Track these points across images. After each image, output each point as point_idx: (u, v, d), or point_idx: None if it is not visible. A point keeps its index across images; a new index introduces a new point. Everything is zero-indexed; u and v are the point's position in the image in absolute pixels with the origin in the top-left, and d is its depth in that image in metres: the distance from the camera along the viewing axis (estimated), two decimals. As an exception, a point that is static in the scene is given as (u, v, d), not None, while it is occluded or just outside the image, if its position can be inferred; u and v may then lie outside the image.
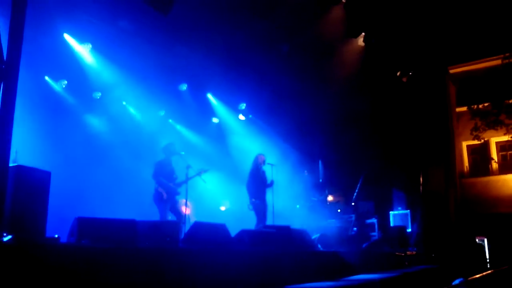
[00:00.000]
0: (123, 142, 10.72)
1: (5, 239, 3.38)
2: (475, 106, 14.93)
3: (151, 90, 10.73)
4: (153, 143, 10.29)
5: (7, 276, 2.86)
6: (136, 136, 10.95)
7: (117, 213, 5.89)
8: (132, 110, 11.54)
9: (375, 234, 11.09)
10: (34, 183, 3.83)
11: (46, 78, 9.88)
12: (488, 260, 14.09)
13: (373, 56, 11.86)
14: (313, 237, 7.87)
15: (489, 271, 10.15)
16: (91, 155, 9.79)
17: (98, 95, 10.87)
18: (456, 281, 8.38)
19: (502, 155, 17.67)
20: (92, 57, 10.07)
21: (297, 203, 10.46)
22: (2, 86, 3.49)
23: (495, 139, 16.96)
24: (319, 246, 7.78)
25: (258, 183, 8.95)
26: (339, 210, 11.62)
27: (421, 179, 11.57)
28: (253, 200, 8.75)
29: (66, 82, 10.22)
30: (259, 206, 8.79)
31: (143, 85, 10.56)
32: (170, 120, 12.37)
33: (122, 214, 5.49)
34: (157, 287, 3.89)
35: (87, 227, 4.19)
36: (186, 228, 6.84)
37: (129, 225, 4.66)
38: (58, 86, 10.17)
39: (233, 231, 6.06)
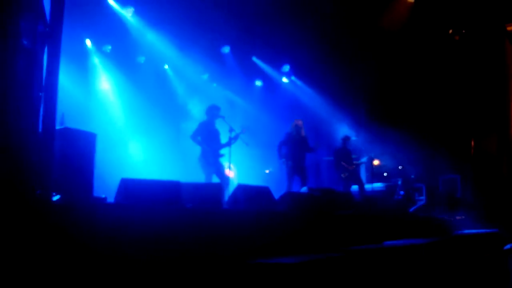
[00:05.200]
0: (168, 105, 10.85)
1: (53, 198, 3.48)
2: (535, 66, 14.04)
3: (193, 54, 10.71)
4: (196, 106, 10.34)
5: (56, 233, 2.95)
6: (181, 100, 11.03)
7: (162, 175, 5.98)
8: (174, 74, 11.59)
9: (423, 198, 10.85)
10: (80, 144, 3.91)
11: (88, 42, 10.02)
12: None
13: (424, 12, 11.30)
14: (357, 200, 7.78)
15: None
16: (137, 120, 9.97)
17: (142, 59, 10.97)
18: (508, 246, 8.12)
19: (561, 117, 16.68)
20: (134, 20, 10.13)
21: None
22: (46, 49, 3.51)
23: (554, 101, 16.00)
24: (364, 209, 7.67)
25: (292, 146, 8.97)
26: (385, 174, 11.39)
27: (472, 143, 11.13)
28: (282, 160, 8.95)
29: (110, 47, 10.34)
30: (289, 167, 8.85)
31: (186, 49, 10.56)
32: (215, 84, 12.35)
33: (167, 176, 5.56)
34: (201, 247, 3.93)
35: (132, 188, 4.25)
36: (230, 191, 6.88)
37: (174, 186, 4.69)
38: (103, 51, 10.31)
39: (278, 195, 6.05)
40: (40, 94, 3.43)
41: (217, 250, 4.02)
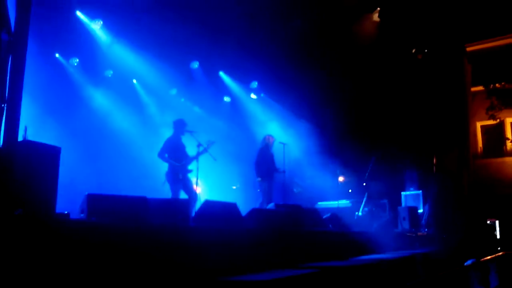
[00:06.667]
0: (135, 120, 10.72)
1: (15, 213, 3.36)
2: (492, 85, 14.66)
3: (162, 68, 10.65)
4: (164, 121, 10.26)
5: (17, 249, 2.84)
6: (148, 114, 10.92)
7: (127, 191, 5.87)
8: (143, 88, 11.49)
9: (386, 214, 11.03)
10: (43, 158, 3.79)
11: (57, 55, 9.84)
12: (499, 242, 14.00)
13: (388, 32, 11.64)
14: (323, 216, 7.84)
15: (500, 253, 10.08)
16: (102, 133, 9.80)
17: (109, 73, 10.83)
18: (468, 262, 8.33)
19: (517, 135, 17.40)
20: (103, 34, 10.01)
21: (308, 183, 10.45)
22: (10, 59, 3.42)
23: (511, 119, 16.69)
24: (330, 226, 7.75)
25: (264, 163, 9.07)
26: (350, 190, 11.55)
27: (434, 159, 11.44)
28: (259, 179, 8.92)
29: (77, 60, 10.18)
30: (265, 185, 8.91)
31: (154, 63, 10.50)
32: (182, 99, 12.28)
33: (133, 192, 5.46)
34: (168, 265, 3.87)
35: (97, 204, 4.17)
36: (197, 206, 6.82)
37: (140, 202, 4.63)
38: (70, 64, 10.14)
39: (245, 211, 6.03)
40: (3, 105, 3.33)
41: (185, 267, 3.96)
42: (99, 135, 9.70)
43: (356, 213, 10.22)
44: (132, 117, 10.58)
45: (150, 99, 11.49)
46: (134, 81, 11.46)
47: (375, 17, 11.68)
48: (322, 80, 12.22)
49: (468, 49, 17.30)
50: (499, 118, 15.18)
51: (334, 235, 6.93)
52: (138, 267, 3.62)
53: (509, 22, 15.02)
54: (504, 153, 17.41)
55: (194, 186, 8.01)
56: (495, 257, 9.46)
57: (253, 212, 6.07)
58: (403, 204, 11.43)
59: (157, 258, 3.84)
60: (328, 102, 12.95)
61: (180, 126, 8.20)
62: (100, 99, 10.42)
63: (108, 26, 9.87)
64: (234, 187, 11.62)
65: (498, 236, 14.66)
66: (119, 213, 4.18)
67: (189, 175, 8.07)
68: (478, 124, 17.83)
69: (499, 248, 12.47)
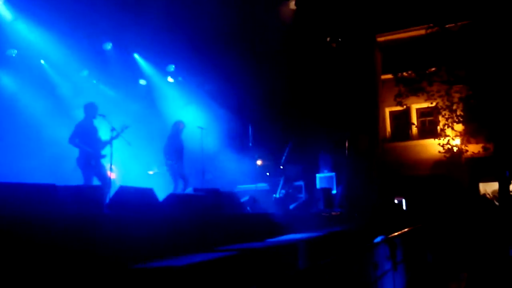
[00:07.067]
0: (44, 103, 10.10)
1: None
2: (400, 74, 15.55)
3: (72, 48, 10.09)
4: (74, 104, 9.76)
5: None
6: (57, 97, 10.32)
7: (37, 178, 5.55)
8: (51, 69, 10.81)
9: (302, 196, 11.40)
10: None
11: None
12: (405, 219, 15.02)
13: (305, 20, 11.90)
14: (242, 199, 7.94)
15: (406, 229, 10.82)
16: (8, 116, 9.14)
17: (13, 52, 10.05)
18: (378, 239, 8.85)
19: (421, 121, 18.69)
20: (5, 9, 9.26)
21: (227, 166, 10.51)
22: None
23: (416, 105, 17.87)
24: (248, 208, 7.87)
25: (174, 148, 9.10)
26: (267, 173, 11.79)
27: (347, 143, 11.98)
28: (169, 162, 8.96)
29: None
30: (174, 168, 8.91)
31: (64, 42, 9.91)
32: (95, 81, 11.74)
33: (43, 179, 5.17)
34: (80, 255, 3.72)
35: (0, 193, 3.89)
36: (111, 193, 6.61)
37: (48, 190, 4.39)
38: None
39: (163, 196, 5.94)
40: None
41: (98, 256, 3.82)
42: (4, 119, 9.04)
43: (274, 195, 10.46)
44: (41, 99, 9.94)
45: (60, 80, 10.84)
46: (42, 61, 10.74)
47: (292, 5, 11.89)
48: (241, 66, 12.28)
49: (379, 39, 18.26)
50: (406, 105, 16.18)
51: (252, 217, 7.05)
52: (47, 259, 3.44)
53: (416, 15, 15.97)
54: (410, 137, 18.66)
55: (108, 172, 7.75)
56: (402, 233, 10.14)
57: (170, 197, 6.00)
58: (318, 186, 11.87)
59: (68, 248, 3.67)
60: (247, 87, 13.05)
61: (91, 110, 7.87)
62: (4, 79, 9.66)
63: (11, 0, 9.14)
64: (151, 172, 11.38)
65: (404, 213, 15.73)
66: (24, 202, 3.93)
67: (102, 160, 7.80)
68: (387, 110, 18.92)
69: (405, 225, 13.34)
